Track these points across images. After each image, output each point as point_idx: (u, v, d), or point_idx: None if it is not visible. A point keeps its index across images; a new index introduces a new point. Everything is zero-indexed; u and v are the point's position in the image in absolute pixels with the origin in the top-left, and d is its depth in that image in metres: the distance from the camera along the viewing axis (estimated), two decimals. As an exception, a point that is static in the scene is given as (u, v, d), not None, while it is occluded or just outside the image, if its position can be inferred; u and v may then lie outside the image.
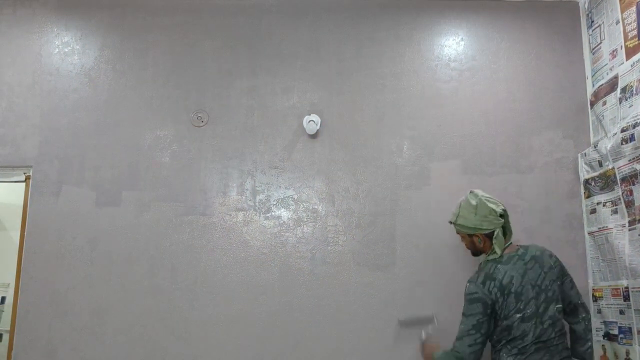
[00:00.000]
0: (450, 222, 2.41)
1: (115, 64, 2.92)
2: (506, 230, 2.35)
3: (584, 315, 2.35)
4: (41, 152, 2.81)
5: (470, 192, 2.37)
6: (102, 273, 2.69)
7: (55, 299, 2.66)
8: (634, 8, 2.38)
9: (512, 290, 2.19)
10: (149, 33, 2.95)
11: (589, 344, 2.33)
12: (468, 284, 2.27)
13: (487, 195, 2.34)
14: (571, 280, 2.35)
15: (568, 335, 2.34)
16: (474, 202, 2.30)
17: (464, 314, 2.24)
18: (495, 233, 2.29)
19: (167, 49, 2.93)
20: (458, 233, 2.43)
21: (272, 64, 2.91)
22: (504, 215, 2.31)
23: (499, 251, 2.28)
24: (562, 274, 2.32)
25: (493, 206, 2.28)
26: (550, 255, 2.32)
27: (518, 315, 2.17)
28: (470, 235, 2.36)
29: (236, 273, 2.70)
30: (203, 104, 2.87)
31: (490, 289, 2.20)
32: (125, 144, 2.83)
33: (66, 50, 2.93)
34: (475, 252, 2.41)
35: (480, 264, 2.36)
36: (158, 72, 2.91)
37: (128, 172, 2.80)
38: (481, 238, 2.32)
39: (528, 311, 2.17)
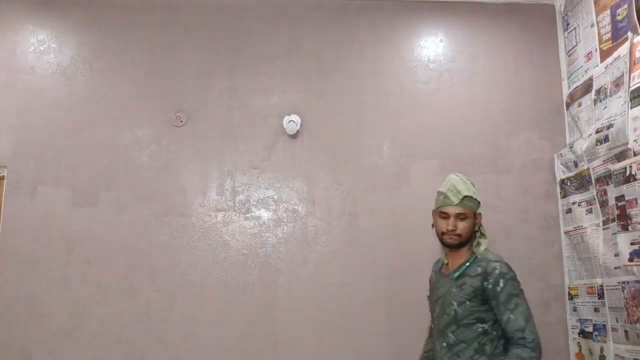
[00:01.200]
0: (460, 202, 2.09)
1: (92, 63, 2.88)
2: None
3: None
4: (16, 151, 2.76)
5: (450, 175, 2.21)
6: (79, 275, 2.65)
7: (31, 301, 2.62)
8: (608, 11, 2.43)
9: None
10: (127, 32, 2.92)
11: None
12: (499, 264, 2.01)
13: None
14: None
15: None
16: (464, 178, 2.17)
17: (515, 295, 1.97)
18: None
19: (146, 48, 2.90)
20: (460, 215, 2.10)
21: (252, 63, 2.90)
22: None
23: (485, 243, 2.13)
24: None
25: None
26: None
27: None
28: (474, 215, 2.13)
29: (215, 274, 2.69)
30: (182, 104, 2.85)
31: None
32: (103, 144, 2.79)
33: (42, 48, 2.88)
34: (463, 242, 2.12)
35: (470, 260, 2.10)
36: (137, 72, 2.88)
37: (105, 172, 2.76)
38: (478, 219, 2.15)
39: None
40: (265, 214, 2.76)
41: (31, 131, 2.78)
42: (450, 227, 2.10)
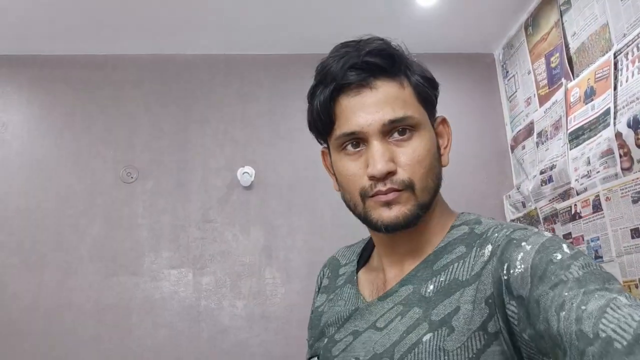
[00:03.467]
0: None
1: (40, 122, 2.82)
2: None
3: None
4: (-44, 215, 2.63)
5: None
6: (21, 342, 2.51)
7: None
8: (543, 59, 2.57)
9: None
10: (76, 89, 2.88)
11: None
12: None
13: None
14: None
15: None
16: None
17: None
18: None
19: (96, 105, 2.87)
20: None
21: (203, 117, 2.91)
22: None
23: None
24: None
25: None
26: None
27: None
28: None
29: (168, 334, 2.59)
30: (132, 160, 2.81)
31: None
32: (51, 203, 2.71)
33: (-15, 108, 2.82)
34: None
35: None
36: (86, 130, 2.83)
37: (54, 232, 2.66)
38: None
39: None
40: (220, 269, 2.70)
41: (-28, 193, 2.68)
42: None
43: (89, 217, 2.70)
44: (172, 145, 2.85)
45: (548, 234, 0.74)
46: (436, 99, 0.97)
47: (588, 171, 2.12)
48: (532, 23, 2.66)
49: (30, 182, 2.73)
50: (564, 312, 0.60)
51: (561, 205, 2.30)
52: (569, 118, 2.30)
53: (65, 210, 2.70)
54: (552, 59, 2.50)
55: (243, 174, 2.76)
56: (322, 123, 0.89)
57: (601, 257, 2.05)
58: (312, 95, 0.93)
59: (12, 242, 2.63)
